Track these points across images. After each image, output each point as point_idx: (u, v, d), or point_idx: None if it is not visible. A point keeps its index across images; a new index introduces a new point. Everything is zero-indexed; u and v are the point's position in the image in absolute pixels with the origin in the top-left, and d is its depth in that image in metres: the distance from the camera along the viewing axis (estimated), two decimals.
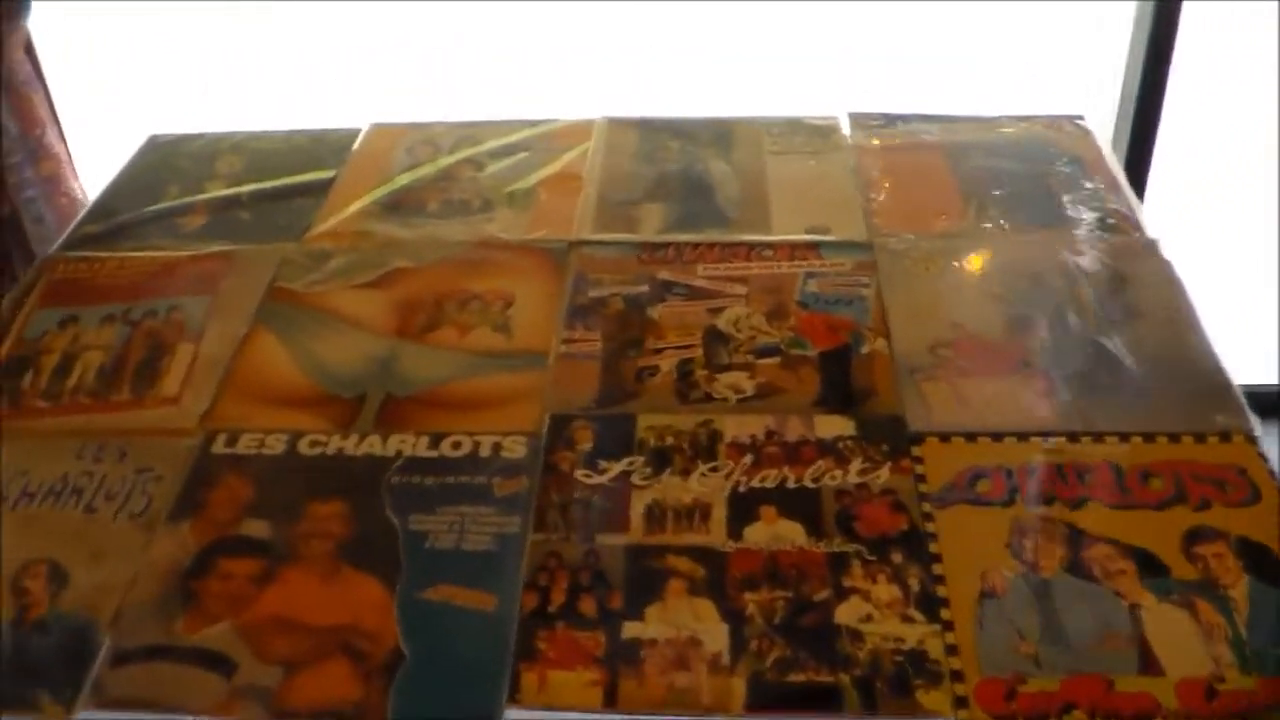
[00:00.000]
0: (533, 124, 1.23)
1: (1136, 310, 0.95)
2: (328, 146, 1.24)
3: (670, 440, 0.85)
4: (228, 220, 1.14)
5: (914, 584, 0.75)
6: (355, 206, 1.13)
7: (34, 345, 1.01)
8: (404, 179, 1.16)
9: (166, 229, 1.13)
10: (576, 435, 0.86)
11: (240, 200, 1.16)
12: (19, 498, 0.87)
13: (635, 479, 0.83)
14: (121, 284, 1.07)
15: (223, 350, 0.98)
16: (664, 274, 1.01)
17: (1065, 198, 1.07)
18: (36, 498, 0.87)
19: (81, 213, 1.45)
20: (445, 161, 1.18)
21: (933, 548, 0.77)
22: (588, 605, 0.75)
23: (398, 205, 1.13)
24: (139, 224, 1.15)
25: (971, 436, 0.85)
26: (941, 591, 0.74)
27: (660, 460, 0.84)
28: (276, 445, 0.88)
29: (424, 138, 1.23)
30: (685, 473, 0.83)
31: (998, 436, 0.85)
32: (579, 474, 0.83)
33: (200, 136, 1.28)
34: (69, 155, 1.46)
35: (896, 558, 0.76)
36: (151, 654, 0.75)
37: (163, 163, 1.24)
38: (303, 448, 0.88)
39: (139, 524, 0.84)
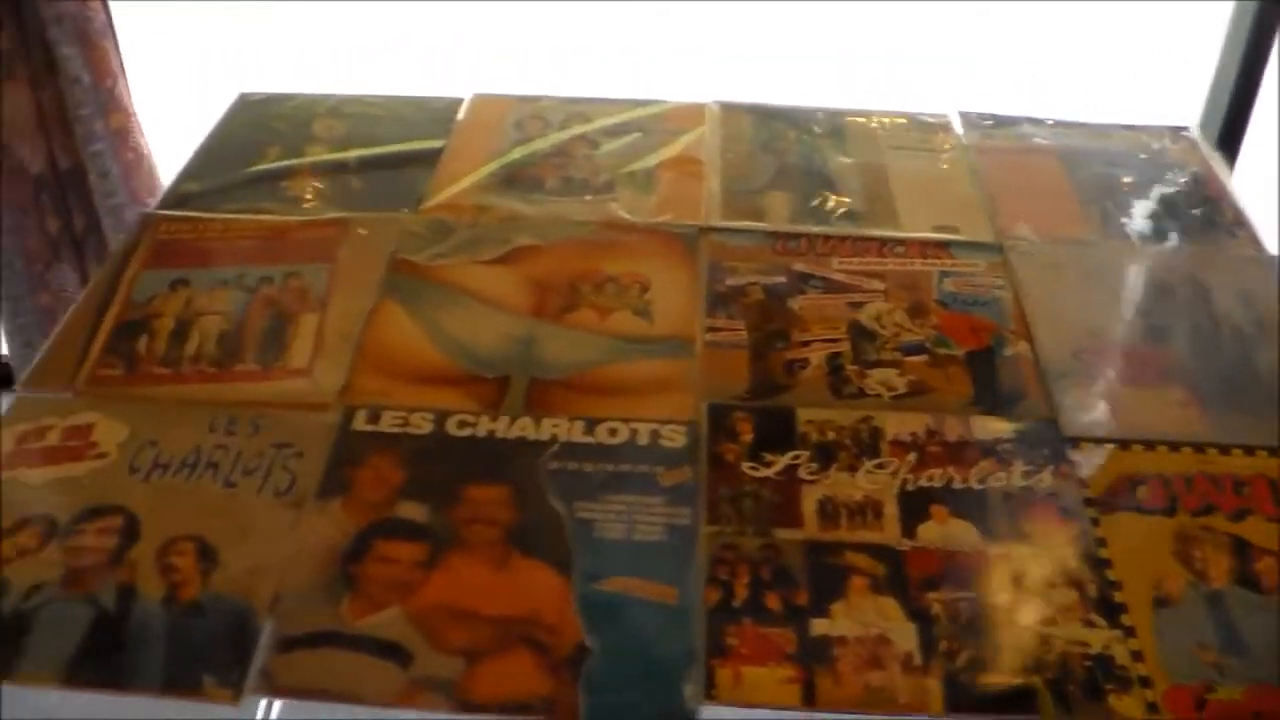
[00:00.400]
0: (641, 104, 1.21)
1: (1268, 325, 0.96)
2: (430, 114, 1.21)
3: (832, 435, 0.85)
4: (336, 186, 1.11)
5: (1091, 589, 0.75)
6: (470, 179, 1.10)
7: (144, 308, 0.98)
8: (517, 153, 1.14)
9: (271, 192, 1.10)
10: (738, 426, 0.85)
11: (347, 166, 1.13)
12: (151, 468, 0.84)
13: (802, 473, 0.82)
14: (231, 247, 1.04)
15: (350, 322, 0.95)
16: (799, 265, 1.00)
17: (1183, 210, 1.09)
18: (169, 469, 0.85)
19: (147, 167, 1.41)
20: (558, 137, 1.16)
21: (1103, 553, 0.78)
22: (773, 601, 0.74)
23: (514, 180, 1.11)
24: (241, 185, 1.11)
25: (1124, 444, 0.86)
26: (1118, 597, 0.75)
27: (825, 455, 0.83)
28: (423, 425, 0.86)
29: (532, 111, 1.20)
30: (852, 469, 0.83)
31: (1150, 445, 0.86)
32: (745, 466, 0.83)
33: (293, 97, 1.24)
34: (134, 109, 1.40)
35: (1070, 562, 0.77)
36: (319, 640, 0.73)
37: (257, 122, 1.21)
38: (450, 428, 0.86)
39: (285, 502, 0.82)
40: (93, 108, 1.33)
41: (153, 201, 1.43)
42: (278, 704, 1.20)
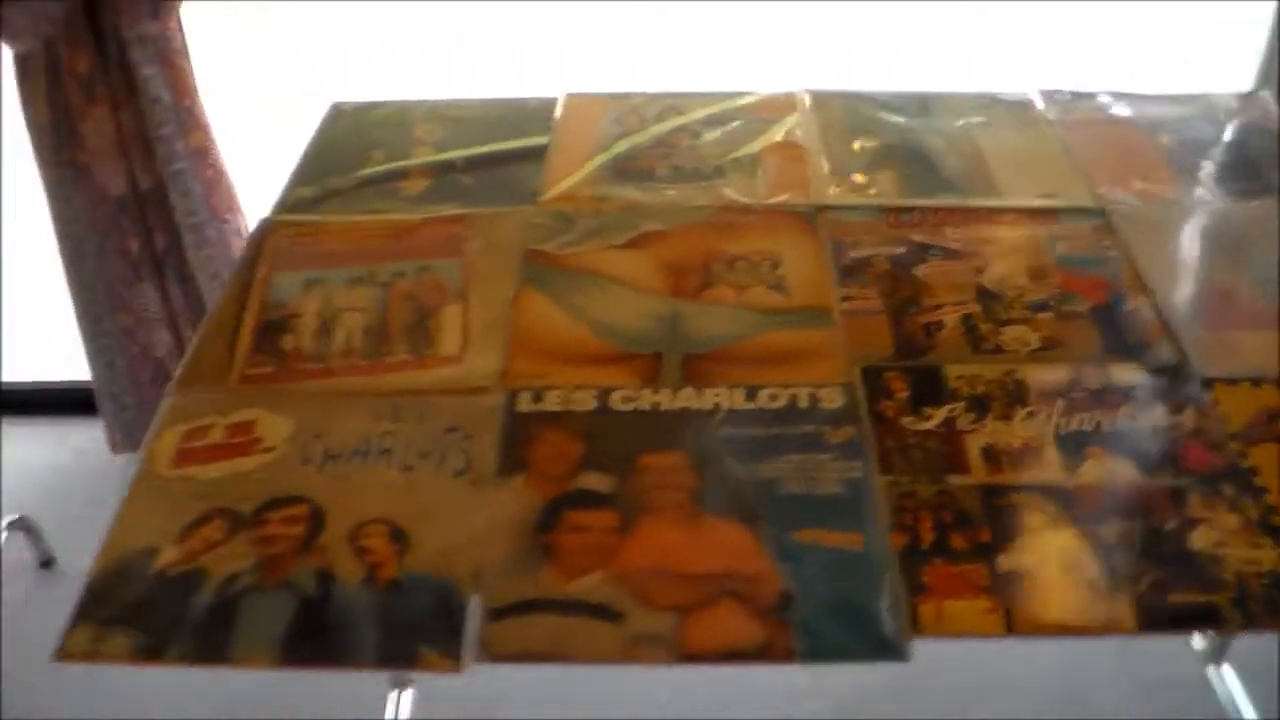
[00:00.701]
0: (731, 96, 1.25)
1: None
2: (528, 114, 1.24)
3: (982, 389, 0.89)
4: (449, 184, 1.13)
5: (1252, 513, 0.80)
6: (581, 172, 1.13)
7: (284, 309, 1.00)
8: (622, 146, 1.17)
9: (386, 193, 1.12)
10: (892, 385, 0.89)
11: (455, 165, 1.16)
12: (323, 459, 0.86)
13: (960, 424, 0.86)
14: (358, 247, 1.06)
15: (493, 310, 0.98)
16: (917, 236, 1.04)
17: (1267, 168, 1.14)
18: (341, 458, 0.86)
19: (225, 185, 1.43)
20: (658, 129, 1.20)
21: (1257, 481, 0.82)
22: (959, 541, 0.78)
23: (625, 171, 1.14)
24: (353, 188, 1.13)
25: (1256, 382, 0.90)
26: (1278, 520, 0.79)
27: (979, 407, 0.87)
28: (587, 401, 0.89)
29: (627, 108, 1.24)
30: (1006, 418, 0.86)
31: None
32: (905, 421, 0.86)
33: (385, 104, 1.27)
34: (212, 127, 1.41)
35: (1227, 490, 0.81)
36: (529, 608, 0.75)
37: (356, 130, 1.23)
38: (615, 403, 0.89)
39: (464, 482, 0.84)
40: (173, 127, 1.34)
41: (232, 218, 1.45)
42: (407, 700, 1.21)
